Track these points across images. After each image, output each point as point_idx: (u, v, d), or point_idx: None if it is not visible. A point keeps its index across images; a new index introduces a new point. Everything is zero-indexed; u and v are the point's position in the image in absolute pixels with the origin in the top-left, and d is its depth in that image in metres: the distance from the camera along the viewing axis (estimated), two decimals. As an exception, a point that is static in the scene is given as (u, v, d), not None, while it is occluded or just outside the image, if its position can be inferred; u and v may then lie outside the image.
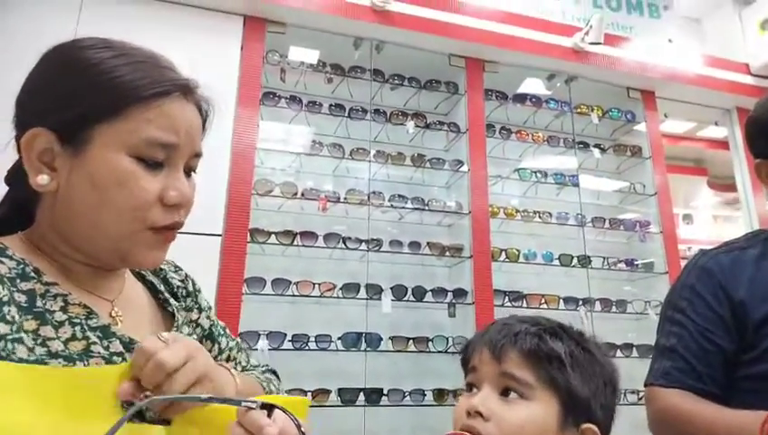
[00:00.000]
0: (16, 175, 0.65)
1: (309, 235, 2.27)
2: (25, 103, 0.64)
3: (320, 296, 2.23)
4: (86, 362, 0.56)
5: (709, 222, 4.76)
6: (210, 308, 0.82)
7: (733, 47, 3.17)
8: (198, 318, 0.79)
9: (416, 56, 2.57)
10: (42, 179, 0.60)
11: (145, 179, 0.60)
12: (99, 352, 0.57)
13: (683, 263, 2.60)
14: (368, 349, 2.21)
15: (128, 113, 0.60)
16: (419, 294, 2.35)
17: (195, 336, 0.76)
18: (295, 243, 2.24)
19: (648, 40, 2.98)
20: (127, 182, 0.59)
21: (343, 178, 2.54)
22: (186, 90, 0.64)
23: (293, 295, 2.20)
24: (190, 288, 0.80)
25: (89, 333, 0.58)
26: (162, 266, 0.79)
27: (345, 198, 2.36)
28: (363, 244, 2.31)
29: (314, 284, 2.22)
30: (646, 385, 1.06)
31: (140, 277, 0.75)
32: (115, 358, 0.59)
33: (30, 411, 0.45)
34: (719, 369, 0.98)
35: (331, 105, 2.47)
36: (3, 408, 0.44)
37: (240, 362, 0.84)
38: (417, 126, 2.57)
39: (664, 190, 2.79)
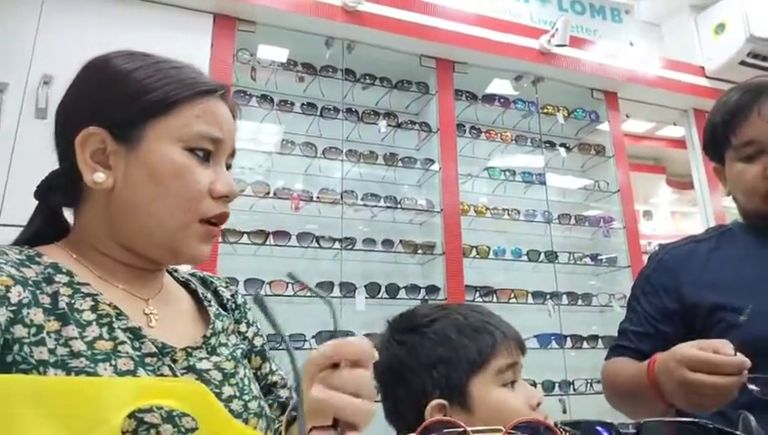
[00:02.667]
0: (50, 188, 0.67)
1: (281, 234, 2.27)
2: (71, 111, 0.66)
3: (293, 296, 2.23)
4: (113, 362, 0.56)
5: (668, 218, 4.94)
6: (260, 329, 0.83)
7: (689, 51, 3.30)
8: (247, 331, 0.79)
9: (387, 56, 2.59)
10: (98, 177, 0.62)
11: (197, 171, 0.64)
12: (127, 353, 0.57)
13: (644, 257, 2.71)
14: (342, 347, 2.22)
15: (178, 110, 0.63)
16: (393, 291, 2.38)
17: (242, 347, 0.76)
18: (268, 242, 2.24)
19: (610, 43, 3.09)
20: (183, 174, 0.63)
21: (315, 177, 2.53)
22: (223, 91, 0.69)
23: (267, 295, 2.19)
24: (239, 301, 0.81)
25: (117, 333, 0.58)
26: (213, 280, 0.81)
27: (318, 197, 2.37)
28: (336, 242, 2.32)
29: (287, 283, 2.22)
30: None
31: (185, 285, 0.76)
32: (148, 359, 0.59)
33: (31, 426, 0.44)
34: (659, 349, 1.04)
35: (302, 104, 2.46)
36: (3, 424, 0.43)
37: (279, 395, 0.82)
38: (389, 125, 2.59)
39: (626, 188, 2.90)
